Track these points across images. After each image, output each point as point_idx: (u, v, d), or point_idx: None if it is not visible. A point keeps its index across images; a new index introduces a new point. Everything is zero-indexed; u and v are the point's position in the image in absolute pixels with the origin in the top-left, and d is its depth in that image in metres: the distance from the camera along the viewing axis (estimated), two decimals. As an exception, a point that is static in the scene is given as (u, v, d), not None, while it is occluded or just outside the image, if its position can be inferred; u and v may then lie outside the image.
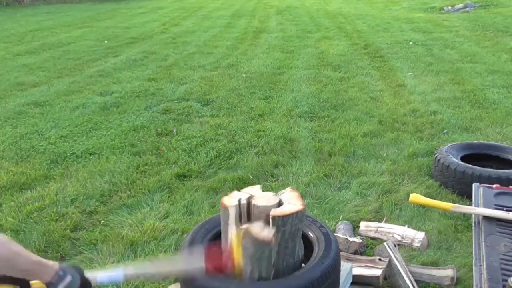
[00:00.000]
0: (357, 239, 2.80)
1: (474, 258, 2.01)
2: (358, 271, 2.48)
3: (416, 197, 2.67)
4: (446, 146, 3.85)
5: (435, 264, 2.72)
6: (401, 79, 6.86)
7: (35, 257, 1.50)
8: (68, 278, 1.56)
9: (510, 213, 2.27)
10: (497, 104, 5.59)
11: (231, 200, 1.92)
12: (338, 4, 18.03)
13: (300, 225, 1.90)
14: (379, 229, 3.00)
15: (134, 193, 3.63)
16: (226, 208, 1.89)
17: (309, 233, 2.10)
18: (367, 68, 7.65)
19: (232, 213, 1.89)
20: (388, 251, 2.63)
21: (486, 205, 2.42)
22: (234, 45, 10.10)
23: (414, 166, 4.00)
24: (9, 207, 3.46)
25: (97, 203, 3.50)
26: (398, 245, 2.85)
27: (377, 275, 2.45)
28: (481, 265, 1.93)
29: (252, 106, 5.78)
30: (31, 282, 1.56)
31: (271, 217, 1.81)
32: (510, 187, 2.73)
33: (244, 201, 1.92)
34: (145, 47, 10.03)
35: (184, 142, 4.63)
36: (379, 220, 3.16)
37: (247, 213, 1.93)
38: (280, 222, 1.81)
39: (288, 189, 2.07)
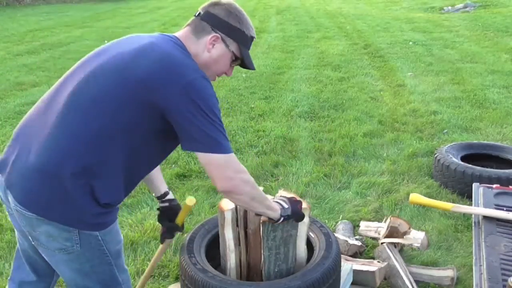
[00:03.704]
0: (357, 242, 2.79)
1: (474, 258, 2.01)
2: (354, 267, 2.46)
3: (416, 197, 2.66)
4: (446, 146, 3.85)
5: (435, 264, 2.73)
6: (401, 79, 6.86)
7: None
8: (287, 207, 1.76)
9: (510, 213, 2.27)
10: (497, 104, 5.59)
11: (228, 203, 1.92)
12: (338, 4, 18.01)
13: (293, 232, 1.87)
14: (379, 229, 3.00)
15: (134, 193, 3.63)
16: (222, 212, 1.89)
17: (310, 233, 2.10)
18: (367, 68, 7.65)
19: (229, 217, 1.89)
20: (387, 252, 2.63)
21: (486, 205, 2.42)
22: (234, 45, 10.08)
23: (414, 166, 4.00)
24: (9, 207, 3.45)
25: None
26: (398, 245, 2.85)
27: (372, 270, 2.44)
28: (481, 265, 1.93)
29: (252, 106, 5.78)
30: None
31: (261, 222, 1.80)
32: (510, 187, 2.73)
33: None
34: (145, 47, 10.02)
35: (184, 142, 4.62)
36: (379, 220, 3.16)
37: (243, 216, 1.92)
38: (270, 228, 1.80)
39: (282, 191, 2.03)
